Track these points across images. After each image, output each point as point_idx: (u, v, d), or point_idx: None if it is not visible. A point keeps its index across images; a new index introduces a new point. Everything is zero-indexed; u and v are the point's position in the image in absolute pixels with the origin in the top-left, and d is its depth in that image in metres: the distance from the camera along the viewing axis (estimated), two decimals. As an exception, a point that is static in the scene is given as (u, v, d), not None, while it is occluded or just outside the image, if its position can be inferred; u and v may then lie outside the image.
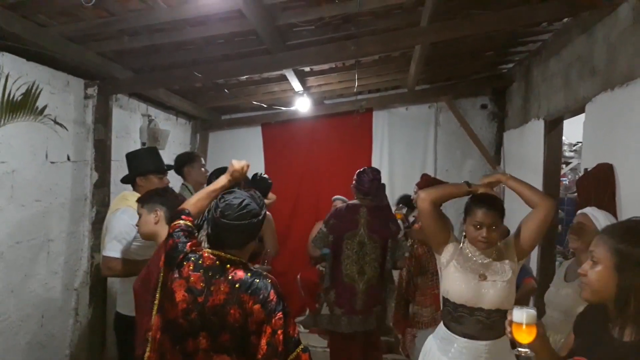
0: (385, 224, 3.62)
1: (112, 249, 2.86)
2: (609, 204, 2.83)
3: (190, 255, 1.89)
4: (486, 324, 2.28)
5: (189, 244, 1.93)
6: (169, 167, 3.33)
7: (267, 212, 4.22)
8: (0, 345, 3.00)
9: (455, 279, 2.35)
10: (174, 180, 4.96)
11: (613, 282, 1.41)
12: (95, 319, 3.78)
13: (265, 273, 1.89)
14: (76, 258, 3.74)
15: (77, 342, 3.74)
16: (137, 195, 3.05)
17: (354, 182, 3.67)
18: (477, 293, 2.33)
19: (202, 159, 4.36)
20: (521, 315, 1.62)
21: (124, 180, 3.25)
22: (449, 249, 2.41)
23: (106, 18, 2.94)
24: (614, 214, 2.74)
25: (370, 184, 3.57)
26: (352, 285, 3.56)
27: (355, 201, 3.67)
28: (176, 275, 1.85)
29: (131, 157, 3.25)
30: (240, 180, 2.36)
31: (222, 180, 2.22)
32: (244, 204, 1.84)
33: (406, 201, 4.84)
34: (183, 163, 4.14)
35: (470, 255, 2.37)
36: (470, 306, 2.32)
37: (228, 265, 1.84)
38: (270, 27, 3.24)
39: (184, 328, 1.80)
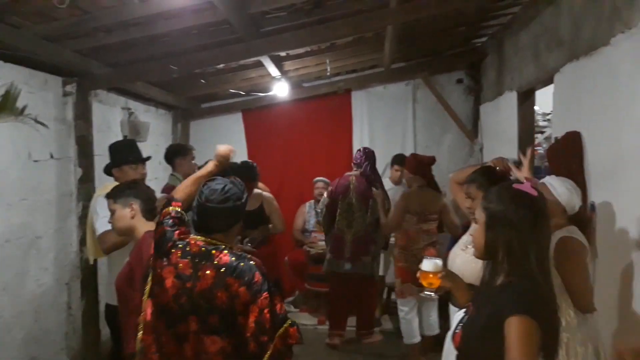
0: (368, 187, 4.42)
1: (103, 226, 2.89)
2: (577, 171, 2.95)
3: (178, 243, 1.95)
4: None
5: (176, 232, 1.98)
6: (147, 158, 3.37)
7: (268, 194, 4.43)
8: (-3, 342, 3.08)
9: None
10: (156, 172, 5.04)
11: (483, 237, 1.60)
12: (88, 311, 3.87)
13: (249, 256, 1.96)
14: (66, 253, 3.80)
15: (72, 335, 3.83)
16: (117, 184, 3.13)
17: (353, 157, 4.71)
18: (452, 260, 2.51)
19: (194, 153, 4.44)
20: (428, 264, 1.91)
21: (105, 171, 3.33)
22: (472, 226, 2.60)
23: (80, 16, 2.97)
24: (582, 180, 2.86)
25: (361, 158, 4.54)
26: (342, 236, 4.46)
27: (349, 173, 4.60)
28: (165, 262, 1.91)
29: (110, 149, 3.33)
30: (226, 166, 2.43)
31: (210, 166, 2.31)
32: (226, 188, 1.93)
33: (400, 160, 5.09)
34: (175, 154, 4.28)
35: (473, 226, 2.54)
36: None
37: (213, 251, 1.91)
38: (242, 16, 3.28)
39: (175, 312, 1.87)
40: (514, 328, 1.41)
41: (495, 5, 4.12)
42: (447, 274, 1.92)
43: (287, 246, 5.85)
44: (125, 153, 3.25)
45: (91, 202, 3.22)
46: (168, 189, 3.80)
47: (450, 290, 1.97)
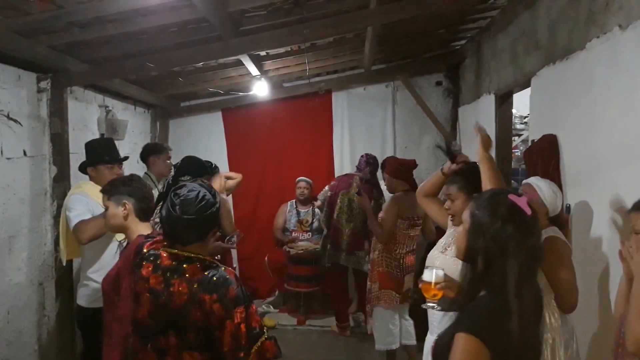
0: (370, 190, 4.72)
1: (79, 216, 2.87)
2: (553, 172, 2.99)
3: (148, 255, 1.89)
4: None
5: (147, 244, 1.93)
6: (124, 159, 3.32)
7: (222, 197, 4.31)
8: (-33, 344, 3.01)
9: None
10: (134, 170, 4.97)
11: (464, 242, 1.53)
12: (63, 312, 3.79)
13: (223, 267, 1.88)
14: (40, 253, 3.72)
15: (45, 337, 3.75)
16: (92, 183, 3.09)
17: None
18: (431, 262, 2.50)
19: (170, 152, 4.39)
20: (430, 274, 1.86)
21: (80, 168, 3.28)
22: (448, 230, 2.60)
23: (54, 11, 2.90)
24: (558, 182, 2.89)
25: (365, 164, 4.87)
26: (340, 229, 4.83)
27: (354, 172, 5.01)
28: (138, 276, 1.85)
29: (86, 147, 3.29)
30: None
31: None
32: (200, 195, 1.82)
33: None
34: (149, 152, 4.23)
35: (452, 229, 2.53)
36: None
37: (185, 265, 1.83)
38: (221, 14, 3.25)
39: (152, 327, 1.81)
40: (458, 345, 1.37)
41: (473, 9, 4.15)
42: (449, 284, 1.85)
43: (268, 246, 5.84)
44: (102, 152, 3.21)
45: (64, 200, 3.16)
46: None
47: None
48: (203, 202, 1.81)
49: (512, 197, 1.49)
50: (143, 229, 2.35)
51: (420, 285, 1.91)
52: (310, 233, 5.63)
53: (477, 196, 1.61)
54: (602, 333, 2.48)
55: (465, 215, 1.55)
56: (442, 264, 2.45)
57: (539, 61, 3.39)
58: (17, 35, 3.12)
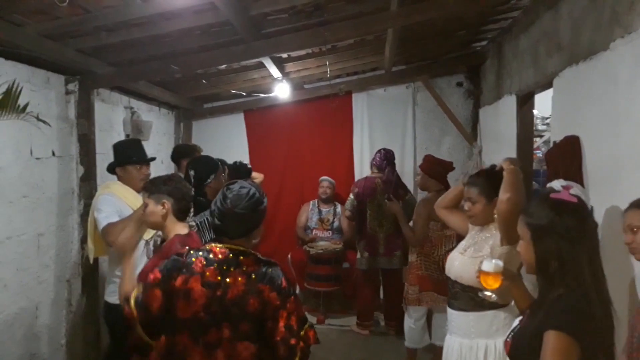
0: (395, 190, 4.79)
1: (108, 218, 2.93)
2: (576, 174, 2.96)
3: (193, 252, 1.96)
4: (452, 292, 2.46)
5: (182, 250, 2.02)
6: (151, 159, 3.40)
7: None
8: (-3, 338, 3.11)
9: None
10: (159, 171, 5.06)
11: (532, 252, 1.58)
12: (89, 308, 3.89)
13: (274, 261, 1.99)
14: (67, 250, 3.83)
15: (71, 332, 3.85)
16: (119, 183, 3.16)
17: (373, 159, 5.02)
18: (450, 263, 2.53)
19: (201, 153, 4.49)
20: (489, 265, 1.87)
21: (108, 169, 3.34)
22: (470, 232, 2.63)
23: (82, 15, 2.98)
24: (581, 184, 2.88)
25: (381, 161, 4.88)
26: (375, 235, 4.84)
27: (371, 175, 4.96)
28: (187, 274, 1.90)
29: (114, 148, 3.36)
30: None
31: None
32: (251, 193, 1.94)
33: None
34: (182, 154, 4.31)
35: (475, 236, 2.55)
36: (447, 276, 2.53)
37: (241, 257, 1.92)
38: (243, 17, 3.30)
39: (205, 321, 1.86)
40: (550, 343, 1.42)
41: (495, 10, 4.14)
42: (507, 274, 1.90)
43: (288, 244, 5.90)
44: (130, 153, 3.28)
45: (93, 200, 3.23)
46: None
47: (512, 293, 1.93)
48: (253, 199, 1.93)
49: (553, 195, 1.59)
50: (180, 228, 2.44)
51: (477, 275, 1.93)
52: (330, 232, 5.67)
53: (523, 210, 1.69)
54: (623, 332, 2.46)
55: (522, 229, 1.62)
56: (461, 264, 2.46)
57: (561, 62, 3.36)
58: (46, 39, 3.22)
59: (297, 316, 1.90)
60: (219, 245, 1.95)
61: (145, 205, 2.48)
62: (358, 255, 4.96)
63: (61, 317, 3.78)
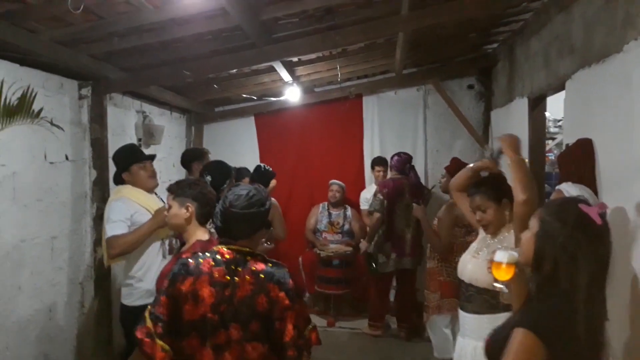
0: (421, 194, 4.97)
1: (113, 229, 2.93)
2: (589, 178, 2.93)
3: (201, 255, 1.97)
4: (465, 295, 2.44)
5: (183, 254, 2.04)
6: (151, 157, 3.37)
7: (273, 199, 4.51)
8: (12, 339, 3.15)
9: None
10: (170, 174, 5.10)
11: (532, 246, 1.56)
12: (101, 311, 3.93)
13: (281, 263, 2.00)
14: (80, 253, 3.86)
15: (84, 334, 3.88)
16: (130, 187, 3.16)
17: (391, 162, 5.08)
18: (463, 266, 2.51)
19: (209, 156, 4.52)
20: (502, 255, 1.83)
21: (115, 181, 3.32)
22: (480, 235, 2.61)
23: (95, 21, 3.02)
24: (594, 188, 2.84)
25: (403, 164, 4.96)
26: (402, 236, 4.86)
27: (398, 176, 4.96)
28: (194, 276, 1.90)
29: (114, 159, 3.36)
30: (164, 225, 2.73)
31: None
32: (250, 194, 1.95)
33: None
34: (192, 158, 4.35)
35: (487, 239, 2.54)
36: (460, 279, 2.51)
37: (248, 257, 1.94)
38: (254, 22, 3.33)
39: (214, 322, 1.87)
40: (516, 339, 1.42)
41: (506, 12, 4.12)
42: (520, 267, 1.84)
43: (298, 247, 5.90)
44: (130, 155, 3.27)
45: (105, 207, 3.22)
46: None
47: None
48: (252, 200, 1.94)
49: (582, 206, 1.53)
50: (201, 233, 2.46)
51: (488, 266, 1.91)
52: (340, 235, 5.67)
53: (548, 203, 1.67)
54: (636, 339, 2.44)
55: (534, 221, 1.59)
56: (474, 267, 2.45)
57: (573, 64, 3.33)
58: (60, 46, 3.27)
59: (304, 317, 1.93)
60: (226, 247, 1.97)
61: (168, 207, 2.50)
62: (382, 259, 4.88)
63: (74, 319, 3.81)
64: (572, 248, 1.46)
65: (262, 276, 1.89)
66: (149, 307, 1.96)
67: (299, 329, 1.88)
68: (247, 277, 1.89)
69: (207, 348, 1.86)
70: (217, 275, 1.90)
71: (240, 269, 1.91)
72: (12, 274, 3.17)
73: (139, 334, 1.92)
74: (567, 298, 1.46)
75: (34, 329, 3.35)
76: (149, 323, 1.91)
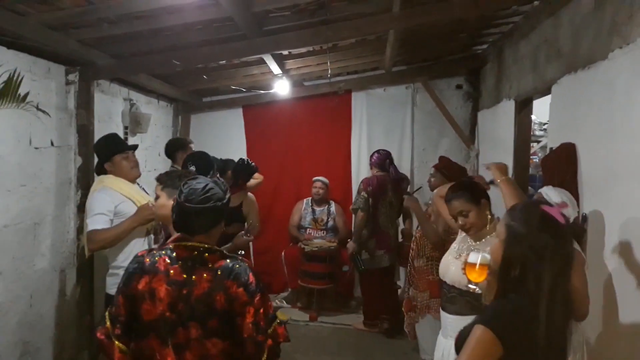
0: (400, 187, 5.01)
1: (94, 223, 2.92)
2: (571, 181, 2.98)
3: (156, 252, 1.92)
4: (447, 296, 2.48)
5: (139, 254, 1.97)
6: (133, 147, 3.36)
7: (251, 194, 4.50)
8: (-8, 325, 3.12)
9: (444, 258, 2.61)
10: (156, 163, 5.08)
11: (500, 252, 1.59)
12: (82, 298, 3.91)
13: (240, 258, 1.94)
14: (62, 240, 3.83)
15: (65, 322, 3.86)
16: (112, 177, 3.14)
17: (371, 159, 5.06)
18: (445, 268, 2.55)
19: (192, 146, 4.52)
20: (476, 257, 1.90)
21: (97, 171, 3.30)
22: (460, 235, 2.65)
23: (85, 7, 2.98)
24: (575, 192, 2.89)
25: (383, 161, 4.97)
26: (387, 232, 4.94)
27: (381, 174, 4.96)
28: (150, 275, 1.86)
29: (95, 148, 3.35)
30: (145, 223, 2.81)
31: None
32: (207, 188, 1.87)
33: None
34: (176, 148, 4.37)
35: (467, 239, 2.58)
36: (443, 280, 2.55)
37: (206, 254, 1.88)
38: (245, 14, 3.31)
39: (172, 321, 1.83)
40: (474, 335, 1.46)
41: (496, 14, 4.16)
42: (493, 268, 1.86)
43: (283, 241, 5.92)
44: (112, 145, 3.25)
45: (88, 197, 3.19)
46: None
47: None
48: (208, 194, 1.86)
49: (545, 207, 1.58)
50: None
51: (462, 267, 1.95)
52: (324, 231, 5.70)
53: (511, 209, 1.69)
54: (612, 340, 2.50)
55: (501, 227, 1.63)
56: (457, 269, 2.48)
57: (560, 69, 3.38)
58: (48, 30, 3.22)
59: (265, 313, 1.86)
60: (183, 243, 1.90)
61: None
62: (364, 255, 4.89)
63: (55, 306, 3.78)
64: (539, 249, 1.50)
65: (220, 272, 1.85)
66: (109, 307, 1.94)
67: (257, 325, 1.83)
68: (205, 274, 1.84)
69: (168, 348, 1.83)
70: (173, 274, 1.85)
71: (197, 266, 1.86)
72: (-6, 259, 3.14)
73: (98, 334, 1.91)
74: (530, 299, 1.49)
75: (14, 315, 3.32)
76: (108, 324, 1.90)
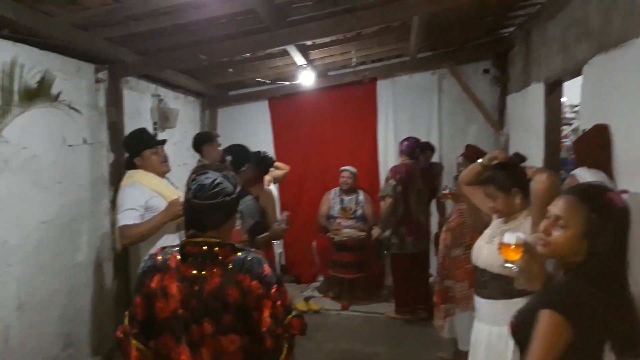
0: (429, 175, 5.06)
1: (125, 218, 2.96)
2: (605, 163, 2.92)
3: (168, 250, 1.91)
4: (480, 281, 2.46)
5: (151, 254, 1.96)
6: (162, 142, 3.39)
7: (267, 187, 4.50)
8: (35, 318, 3.23)
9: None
10: (185, 157, 5.15)
11: (582, 248, 1.53)
12: (119, 292, 4.02)
13: (253, 249, 1.91)
14: (98, 235, 3.93)
15: (103, 315, 3.97)
16: (142, 172, 3.17)
17: (401, 146, 5.09)
18: (477, 252, 2.53)
19: (219, 139, 4.56)
20: (511, 237, 1.90)
21: (126, 166, 3.33)
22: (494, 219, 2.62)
23: (112, 5, 3.05)
24: (609, 173, 2.84)
25: (412, 149, 4.98)
26: (418, 219, 4.96)
27: (409, 161, 4.97)
28: (162, 272, 1.85)
29: (124, 143, 3.39)
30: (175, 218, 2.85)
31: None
32: (215, 182, 1.83)
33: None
34: (202, 142, 4.39)
35: (500, 224, 2.55)
36: (475, 264, 2.53)
37: (216, 249, 1.84)
38: (268, 6, 3.33)
39: (185, 318, 1.81)
40: (543, 320, 1.44)
41: (523, -5, 4.08)
42: (527, 248, 1.87)
43: (311, 232, 5.95)
44: (141, 140, 3.28)
45: (118, 192, 3.23)
46: None
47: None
48: (216, 189, 1.82)
49: (609, 194, 1.57)
50: None
51: (498, 247, 1.95)
52: (354, 220, 5.70)
53: (576, 193, 1.63)
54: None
55: (575, 219, 1.56)
56: (489, 253, 2.46)
57: (590, 49, 3.30)
58: (77, 29, 3.30)
59: (283, 305, 1.80)
60: (193, 240, 1.86)
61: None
62: (394, 239, 4.94)
63: (93, 300, 3.89)
64: (624, 240, 1.51)
65: (231, 266, 1.81)
66: (131, 307, 1.95)
67: (276, 317, 1.78)
68: (215, 269, 1.80)
69: (182, 345, 1.80)
70: (183, 270, 1.82)
71: (207, 262, 1.82)
72: (34, 255, 3.24)
73: (118, 333, 1.92)
74: (591, 277, 1.49)
75: (55, 309, 3.43)
76: (126, 322, 1.90)
